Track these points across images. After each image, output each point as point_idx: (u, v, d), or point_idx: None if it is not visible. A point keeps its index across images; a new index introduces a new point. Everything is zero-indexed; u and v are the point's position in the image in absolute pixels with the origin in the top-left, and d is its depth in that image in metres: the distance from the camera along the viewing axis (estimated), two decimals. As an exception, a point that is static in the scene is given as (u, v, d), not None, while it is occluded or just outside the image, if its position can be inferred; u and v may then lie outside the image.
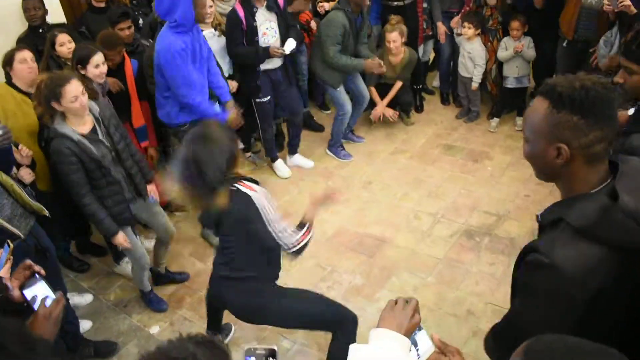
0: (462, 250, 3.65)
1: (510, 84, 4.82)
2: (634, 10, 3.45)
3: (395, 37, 4.72)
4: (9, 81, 3.30)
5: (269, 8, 4.13)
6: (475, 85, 4.96)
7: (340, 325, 2.50)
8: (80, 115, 2.82)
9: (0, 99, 3.21)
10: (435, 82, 5.88)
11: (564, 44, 4.28)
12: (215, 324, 3.03)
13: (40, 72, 3.38)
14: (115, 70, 3.68)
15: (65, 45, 3.57)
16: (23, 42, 3.92)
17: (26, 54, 3.24)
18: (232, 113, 3.85)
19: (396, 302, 1.45)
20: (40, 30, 4.10)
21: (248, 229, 2.29)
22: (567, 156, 1.27)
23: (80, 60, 3.24)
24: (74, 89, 2.72)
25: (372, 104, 5.13)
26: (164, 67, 3.42)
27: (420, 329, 1.44)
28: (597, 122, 1.23)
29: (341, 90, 4.71)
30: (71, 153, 2.76)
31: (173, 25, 3.33)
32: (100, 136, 2.90)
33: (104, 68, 3.30)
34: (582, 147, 1.26)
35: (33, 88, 3.14)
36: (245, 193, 2.25)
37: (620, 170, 1.29)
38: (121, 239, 3.03)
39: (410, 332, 1.40)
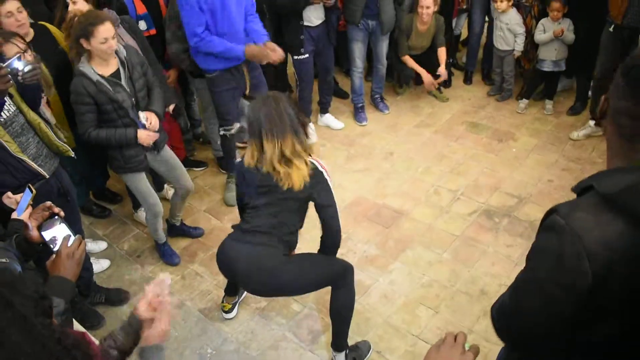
0: (480, 229, 3.59)
1: (546, 67, 4.65)
2: None
3: (429, 3, 4.58)
4: None
5: None
6: (517, 53, 4.80)
7: (343, 278, 2.58)
8: (105, 58, 2.81)
9: None
10: (464, 59, 5.73)
11: (611, 29, 4.10)
12: (233, 287, 3.04)
13: (57, 22, 3.30)
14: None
15: None
16: None
17: (11, 6, 2.99)
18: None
19: (444, 340, 1.28)
20: None
21: (318, 202, 2.40)
22: (603, 109, 1.23)
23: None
24: (106, 30, 2.70)
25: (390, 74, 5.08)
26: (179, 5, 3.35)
27: None
28: (633, 93, 1.16)
29: (358, 38, 4.62)
30: (86, 93, 2.77)
31: None
32: (122, 80, 2.88)
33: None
34: (613, 109, 1.20)
35: (29, 38, 3.05)
36: (318, 168, 2.34)
37: None
38: (144, 135, 2.97)
39: None
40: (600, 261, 1.12)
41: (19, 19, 2.99)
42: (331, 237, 2.53)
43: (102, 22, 2.69)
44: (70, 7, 3.23)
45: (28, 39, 2.98)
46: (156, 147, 3.15)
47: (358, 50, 4.69)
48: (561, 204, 1.21)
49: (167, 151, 3.29)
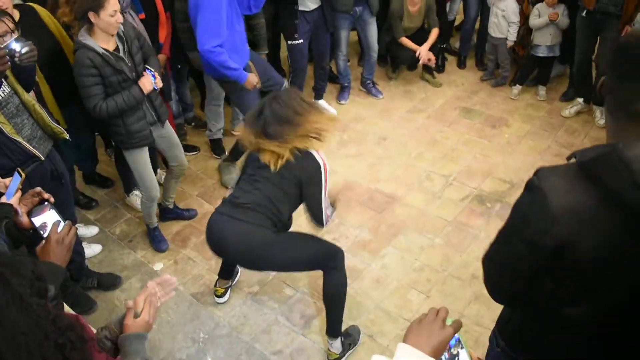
0: (472, 214, 3.60)
1: (541, 52, 4.64)
2: None
3: None
4: None
5: None
6: (510, 43, 4.79)
7: (334, 259, 2.59)
8: (109, 32, 2.77)
9: None
10: (457, 44, 5.70)
11: (583, 14, 4.10)
12: (227, 270, 3.05)
13: (49, 4, 3.25)
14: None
15: None
16: None
17: None
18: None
19: (427, 315, 1.29)
20: None
21: (304, 189, 2.43)
22: (604, 86, 1.24)
23: None
24: (115, 2, 2.69)
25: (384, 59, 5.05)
26: (203, 8, 3.27)
27: (461, 347, 1.31)
28: (627, 73, 1.17)
29: (344, 26, 4.63)
30: (92, 65, 2.72)
31: None
32: (122, 54, 2.86)
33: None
34: (610, 89, 1.22)
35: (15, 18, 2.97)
36: (315, 159, 2.38)
37: None
38: (146, 80, 2.93)
39: (442, 349, 1.22)
40: (564, 227, 1.15)
41: (2, 2, 2.86)
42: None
43: None
44: None
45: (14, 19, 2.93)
46: (160, 118, 3.15)
47: (344, 38, 4.71)
48: (543, 167, 1.25)
49: (168, 127, 3.29)
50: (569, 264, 1.19)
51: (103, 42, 2.78)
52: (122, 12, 2.94)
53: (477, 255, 3.24)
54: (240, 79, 3.48)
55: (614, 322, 1.25)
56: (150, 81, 2.94)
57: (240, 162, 3.29)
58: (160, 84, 3.00)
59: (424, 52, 4.80)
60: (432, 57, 4.86)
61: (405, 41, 4.87)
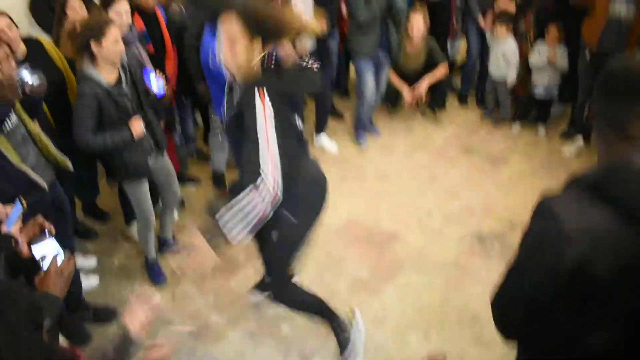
0: (472, 254, 3.59)
1: (539, 93, 4.72)
2: None
3: (418, 21, 4.64)
4: None
5: None
6: (510, 83, 4.86)
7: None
8: (115, 61, 2.79)
9: None
10: (458, 82, 5.77)
11: (587, 56, 4.16)
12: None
13: (54, 38, 3.32)
14: (150, 17, 3.65)
15: (75, 10, 3.32)
16: (36, 1, 3.79)
17: (1, 22, 2.93)
18: None
19: None
20: None
21: None
22: (594, 113, 1.31)
23: (103, 3, 3.16)
24: (117, 31, 2.71)
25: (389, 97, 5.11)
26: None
27: None
28: (611, 98, 1.24)
29: (369, 68, 4.63)
30: (94, 98, 2.73)
31: None
32: (124, 86, 2.87)
33: (126, 18, 3.18)
34: (598, 108, 1.29)
35: (21, 55, 3.01)
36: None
37: None
38: (136, 123, 2.89)
39: None
40: (580, 247, 1.15)
41: (11, 37, 2.92)
42: None
43: (112, 23, 2.71)
44: (70, 14, 3.27)
45: (20, 56, 2.99)
46: (159, 146, 3.16)
47: (370, 82, 4.69)
48: (549, 195, 1.28)
49: (166, 158, 3.31)
50: (586, 287, 1.18)
51: (107, 74, 2.80)
52: (129, 44, 2.99)
53: (477, 296, 3.24)
54: None
55: (635, 348, 1.23)
56: (141, 127, 2.92)
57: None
58: (163, 90, 3.00)
59: (418, 87, 4.87)
60: (422, 96, 4.93)
61: (393, 77, 4.95)
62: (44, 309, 1.57)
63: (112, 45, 2.70)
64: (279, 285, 2.62)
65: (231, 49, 1.99)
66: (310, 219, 2.39)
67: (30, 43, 3.13)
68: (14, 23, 2.99)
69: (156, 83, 2.97)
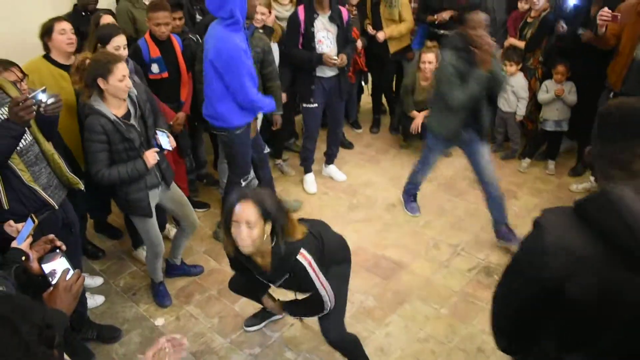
0: (479, 286, 3.57)
1: (549, 127, 4.75)
2: None
3: (431, 58, 4.76)
4: (47, 55, 3.31)
5: (331, 19, 4.18)
6: (519, 117, 4.90)
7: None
8: (119, 97, 2.82)
9: (38, 73, 3.20)
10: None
11: (611, 95, 4.17)
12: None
13: (86, 51, 3.42)
14: (164, 43, 3.74)
15: None
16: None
17: (65, 25, 3.24)
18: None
19: None
20: (83, 14, 4.15)
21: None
22: (589, 156, 1.40)
23: (101, 39, 3.22)
24: (124, 68, 2.75)
25: (403, 129, 5.10)
26: (228, 65, 3.32)
27: None
28: (612, 138, 1.32)
29: (439, 147, 4.07)
30: (102, 131, 2.77)
31: (229, 23, 3.26)
32: (132, 120, 2.91)
33: (124, 52, 3.24)
34: (594, 155, 1.39)
35: (71, 61, 3.21)
36: (302, 266, 2.37)
37: None
38: (150, 155, 2.94)
39: None
40: (558, 262, 1.22)
41: (71, 37, 3.24)
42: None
43: (119, 60, 2.74)
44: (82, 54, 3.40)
45: (71, 61, 3.22)
46: (165, 180, 3.18)
47: (434, 163, 4.23)
48: (550, 208, 1.35)
49: (175, 188, 3.32)
50: (566, 303, 1.23)
51: (114, 108, 2.82)
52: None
53: (484, 328, 3.20)
54: (270, 107, 3.69)
55: None
56: (154, 157, 2.96)
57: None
58: (173, 144, 3.05)
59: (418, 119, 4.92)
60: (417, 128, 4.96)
61: (415, 114, 5.02)
62: (56, 326, 1.59)
63: (118, 82, 2.74)
64: (338, 320, 2.72)
65: (250, 233, 2.22)
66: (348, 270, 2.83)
67: None
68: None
69: (165, 140, 3.03)
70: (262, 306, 3.19)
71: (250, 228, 2.21)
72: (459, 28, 3.54)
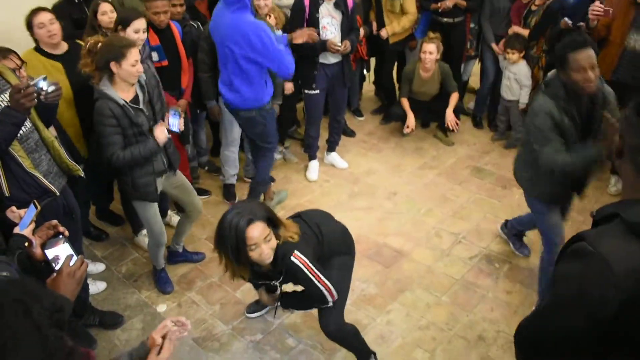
0: (480, 274, 3.57)
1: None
2: None
3: (432, 49, 4.71)
4: (37, 47, 3.25)
5: (336, 5, 4.16)
6: (522, 106, 4.87)
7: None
8: (129, 82, 2.82)
9: (30, 66, 3.14)
10: (471, 104, 5.80)
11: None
12: None
13: (84, 39, 3.40)
14: (164, 31, 3.72)
15: (107, 14, 3.53)
16: (57, 9, 3.90)
17: (43, 17, 3.13)
18: None
19: None
20: (76, 0, 4.09)
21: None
22: (618, 148, 1.24)
23: (122, 21, 3.22)
24: (137, 53, 2.75)
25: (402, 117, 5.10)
26: (263, 47, 3.35)
27: None
28: None
29: (554, 215, 3.06)
30: (112, 115, 2.77)
31: (238, 7, 3.29)
32: (141, 105, 2.91)
33: (143, 35, 3.27)
34: (630, 147, 1.21)
35: (60, 50, 3.19)
36: (298, 267, 2.36)
37: None
38: (159, 131, 2.94)
39: None
40: (626, 290, 1.10)
41: (50, 30, 3.14)
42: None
43: (133, 45, 2.75)
44: (102, 18, 3.47)
45: (59, 52, 3.19)
46: (172, 166, 3.18)
47: (556, 219, 3.07)
48: (587, 232, 1.21)
49: (180, 174, 3.33)
50: (623, 328, 1.13)
51: (123, 92, 2.83)
52: (142, 61, 3.05)
53: (485, 316, 3.22)
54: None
55: None
56: (164, 133, 2.95)
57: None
58: (182, 128, 3.04)
59: (449, 116, 4.84)
60: (457, 121, 4.89)
61: (403, 102, 5.00)
62: (65, 309, 1.60)
63: (131, 67, 2.74)
64: (338, 313, 2.69)
65: (270, 245, 2.28)
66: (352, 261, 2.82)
67: (72, 46, 3.28)
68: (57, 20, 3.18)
69: (176, 122, 3.01)
70: None
71: (267, 242, 2.25)
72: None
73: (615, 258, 1.13)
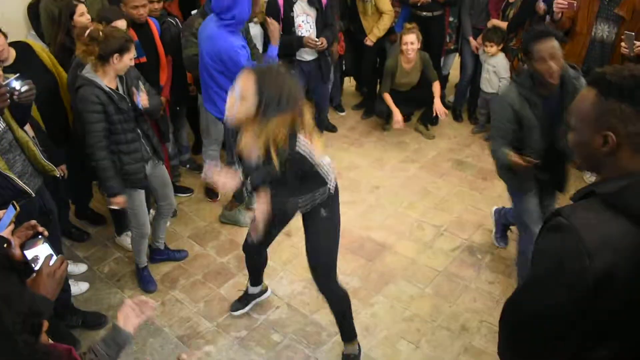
0: (463, 265, 3.61)
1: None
2: None
3: (412, 39, 4.72)
4: None
5: (310, 2, 4.16)
6: None
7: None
8: (122, 74, 2.89)
9: None
10: (451, 97, 5.84)
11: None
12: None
13: (56, 44, 3.36)
14: (142, 28, 3.68)
15: (84, 15, 3.46)
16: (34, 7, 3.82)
17: None
18: None
19: None
20: None
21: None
22: (614, 144, 1.23)
23: (103, 21, 3.14)
24: (134, 49, 2.85)
25: (383, 112, 5.12)
26: (234, 66, 3.26)
27: None
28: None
29: (529, 201, 3.05)
30: (98, 101, 2.78)
31: (228, 24, 3.25)
32: (121, 93, 2.92)
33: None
34: (630, 135, 1.22)
35: (8, 61, 3.03)
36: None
37: None
38: (121, 199, 3.01)
39: None
40: (601, 260, 1.13)
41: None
42: None
43: (133, 40, 2.86)
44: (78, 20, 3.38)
45: (9, 62, 3.01)
46: (157, 154, 3.20)
47: (531, 208, 3.06)
48: (564, 207, 1.24)
49: (163, 167, 3.34)
50: (605, 300, 1.16)
51: (108, 81, 2.85)
52: None
53: (468, 307, 3.25)
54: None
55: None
56: (145, 98, 2.98)
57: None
58: (145, 104, 2.99)
59: (438, 107, 4.87)
60: (445, 111, 4.93)
61: (386, 98, 5.02)
62: (44, 313, 1.58)
63: (129, 61, 2.85)
64: (328, 271, 2.74)
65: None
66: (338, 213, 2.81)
67: (21, 47, 3.15)
68: (1, 32, 3.00)
69: (144, 97, 3.00)
70: (244, 289, 3.21)
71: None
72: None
73: (587, 229, 1.16)
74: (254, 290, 3.21)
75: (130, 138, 2.97)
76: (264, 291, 3.27)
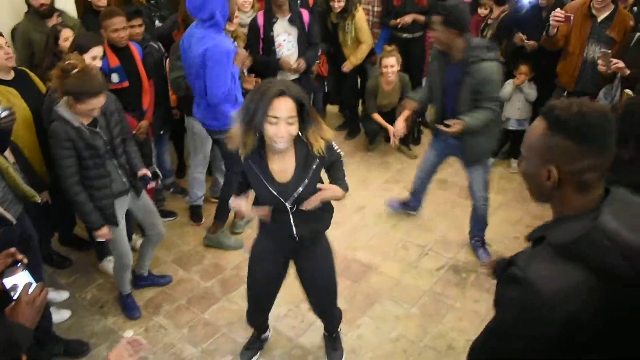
0: (448, 284, 3.61)
1: (511, 125, 4.85)
2: (627, 72, 3.51)
3: (392, 62, 4.80)
4: None
5: (290, 21, 4.16)
6: None
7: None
8: (90, 116, 2.82)
9: None
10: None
11: (565, 94, 4.29)
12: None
13: (43, 69, 3.34)
14: (124, 52, 3.68)
15: (69, 40, 3.45)
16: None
17: (1, 40, 3.06)
18: None
19: None
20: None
21: None
22: (556, 179, 1.25)
23: (80, 47, 3.15)
24: (98, 102, 2.73)
25: (368, 133, 5.14)
26: (212, 65, 3.21)
27: None
28: (590, 149, 1.20)
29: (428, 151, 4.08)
30: (67, 138, 2.73)
31: (210, 25, 3.18)
32: (98, 129, 2.87)
33: (99, 63, 3.23)
34: (572, 173, 1.23)
35: (10, 76, 3.11)
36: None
37: (611, 196, 1.26)
38: (105, 231, 2.98)
39: None
40: (563, 309, 1.14)
41: (7, 52, 3.06)
42: None
43: (96, 95, 2.69)
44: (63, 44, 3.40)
45: (10, 77, 3.10)
46: (136, 190, 3.15)
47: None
48: (518, 254, 1.25)
49: (145, 196, 3.29)
50: (576, 336, 1.17)
51: (82, 116, 2.79)
52: None
53: (454, 326, 3.25)
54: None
55: None
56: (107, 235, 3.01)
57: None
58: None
59: (397, 126, 4.87)
60: (403, 130, 4.93)
61: (377, 117, 5.07)
62: (22, 344, 1.55)
63: (88, 111, 2.74)
64: (336, 297, 2.86)
65: (287, 129, 2.14)
66: None
67: (18, 72, 3.21)
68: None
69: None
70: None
71: (289, 125, 2.13)
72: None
73: (544, 281, 1.16)
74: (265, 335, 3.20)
75: (102, 173, 2.91)
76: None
